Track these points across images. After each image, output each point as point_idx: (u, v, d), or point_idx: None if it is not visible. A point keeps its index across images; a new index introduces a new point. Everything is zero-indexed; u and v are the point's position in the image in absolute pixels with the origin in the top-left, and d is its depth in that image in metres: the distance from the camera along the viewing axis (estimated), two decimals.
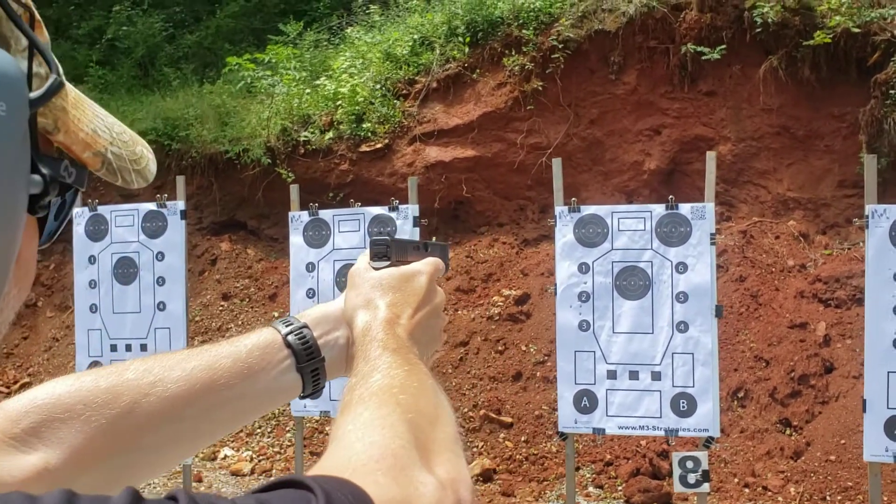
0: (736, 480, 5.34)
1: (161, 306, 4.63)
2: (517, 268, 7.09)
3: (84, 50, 10.98)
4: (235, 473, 6.17)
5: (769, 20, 6.54)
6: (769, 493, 5.19)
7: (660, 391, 3.97)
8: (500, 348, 6.54)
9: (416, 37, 7.88)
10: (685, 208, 3.99)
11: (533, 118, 7.33)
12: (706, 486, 3.82)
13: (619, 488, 5.43)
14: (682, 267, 3.97)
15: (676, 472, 3.79)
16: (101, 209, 4.78)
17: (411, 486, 0.58)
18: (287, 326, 0.94)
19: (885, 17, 6.34)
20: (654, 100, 7.20)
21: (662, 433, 4.02)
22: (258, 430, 6.57)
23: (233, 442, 6.49)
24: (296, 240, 4.59)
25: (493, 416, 6.11)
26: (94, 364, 4.62)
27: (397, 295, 0.94)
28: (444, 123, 7.54)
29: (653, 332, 4.00)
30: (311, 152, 7.73)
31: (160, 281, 4.64)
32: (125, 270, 4.68)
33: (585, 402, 4.06)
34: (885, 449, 3.57)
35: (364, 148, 7.62)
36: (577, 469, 5.53)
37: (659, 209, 4.02)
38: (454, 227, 7.62)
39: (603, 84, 7.30)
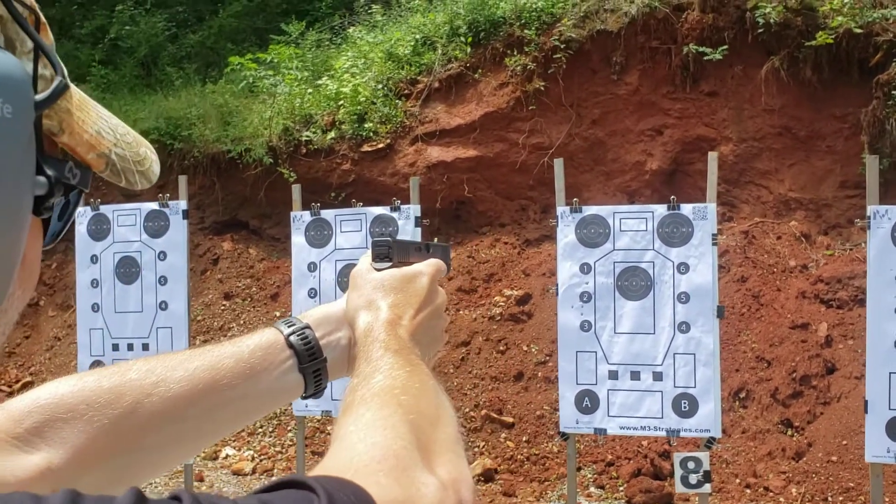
0: (737, 481, 5.34)
1: (163, 306, 4.64)
2: (519, 268, 7.09)
3: (87, 49, 10.99)
4: (237, 473, 6.17)
5: (771, 21, 6.54)
6: (770, 494, 5.19)
7: (661, 391, 3.97)
8: (501, 348, 6.54)
9: (418, 37, 7.89)
10: (687, 209, 3.99)
11: (535, 118, 7.33)
12: (707, 487, 3.82)
13: (621, 489, 5.43)
14: (683, 267, 3.97)
15: (678, 472, 3.79)
16: (104, 209, 4.79)
17: (413, 487, 0.58)
18: (289, 327, 0.94)
19: (888, 18, 6.33)
20: (656, 100, 7.20)
21: (664, 434, 4.01)
22: (260, 430, 6.57)
23: (234, 441, 6.49)
24: (297, 240, 4.59)
25: (495, 416, 6.11)
26: (96, 363, 4.62)
27: (399, 296, 0.94)
28: (446, 123, 7.54)
29: (654, 333, 3.99)
30: (313, 152, 7.73)
31: (162, 280, 4.64)
32: (127, 270, 4.69)
33: (587, 402, 4.06)
34: (887, 450, 3.57)
35: (366, 148, 7.63)
36: (579, 469, 5.53)
37: (661, 209, 4.02)
38: (456, 227, 7.62)
39: (605, 84, 7.30)
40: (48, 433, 0.81)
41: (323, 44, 9.10)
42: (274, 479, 0.53)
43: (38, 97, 0.52)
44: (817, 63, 6.58)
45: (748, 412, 5.71)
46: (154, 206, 4.72)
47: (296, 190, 4.78)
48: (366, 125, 7.61)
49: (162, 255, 4.65)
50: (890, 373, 3.58)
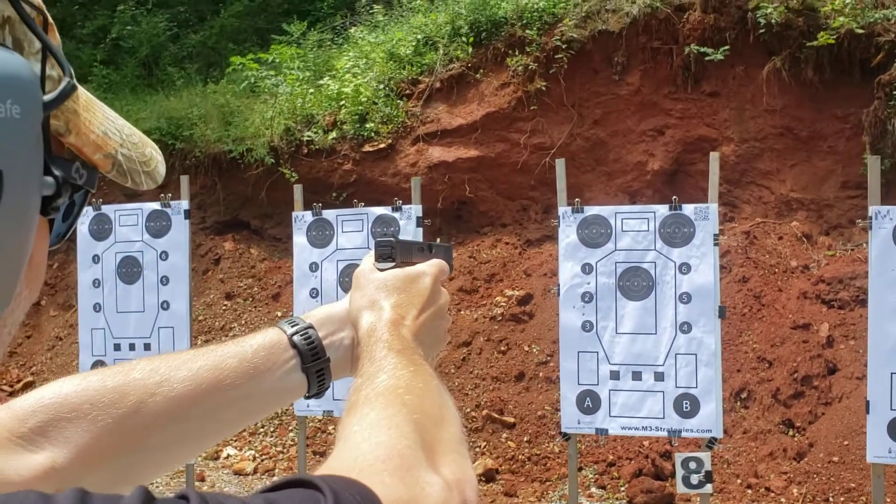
0: (739, 481, 5.34)
1: (165, 305, 4.64)
2: (520, 268, 7.09)
3: (88, 49, 11.00)
4: (238, 473, 6.18)
5: (773, 21, 6.54)
6: (772, 495, 5.19)
7: (663, 392, 3.97)
8: (502, 348, 6.54)
9: (419, 37, 7.89)
10: (688, 209, 3.99)
11: (536, 118, 7.34)
12: (709, 487, 3.82)
13: (622, 489, 5.43)
14: (685, 268, 3.97)
15: (679, 472, 3.79)
16: (105, 208, 4.79)
17: (417, 487, 0.59)
18: (292, 327, 0.94)
19: (889, 18, 6.33)
20: (658, 100, 7.20)
21: (665, 434, 4.01)
22: (261, 430, 6.58)
23: (236, 441, 6.50)
24: (299, 240, 4.60)
25: (496, 416, 6.11)
26: (98, 363, 4.62)
27: (402, 296, 0.94)
28: (448, 123, 7.55)
29: (656, 333, 3.99)
30: (315, 152, 7.74)
31: (164, 280, 4.65)
32: (129, 270, 4.69)
33: (588, 402, 4.06)
34: (889, 450, 3.57)
35: (367, 148, 7.63)
36: (580, 469, 5.53)
37: (662, 210, 4.02)
38: (457, 228, 7.62)
39: (606, 84, 7.30)
40: (52, 432, 0.82)
41: (324, 44, 9.10)
42: (280, 478, 0.54)
43: (47, 98, 0.53)
44: (819, 63, 6.58)
45: (749, 412, 5.71)
46: (156, 206, 4.72)
47: (297, 190, 4.78)
48: (367, 125, 7.61)
49: (163, 255, 4.65)
50: (892, 373, 3.58)
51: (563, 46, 7.11)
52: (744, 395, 5.78)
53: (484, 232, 7.59)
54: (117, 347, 4.66)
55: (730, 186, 6.90)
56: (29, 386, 7.07)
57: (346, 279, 4.42)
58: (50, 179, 0.53)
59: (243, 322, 7.43)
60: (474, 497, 0.63)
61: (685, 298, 3.96)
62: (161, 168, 0.71)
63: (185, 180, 4.84)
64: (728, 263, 6.36)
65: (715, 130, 7.10)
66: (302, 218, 4.60)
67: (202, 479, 5.97)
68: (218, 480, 6.06)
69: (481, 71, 7.52)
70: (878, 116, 6.30)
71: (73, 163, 0.56)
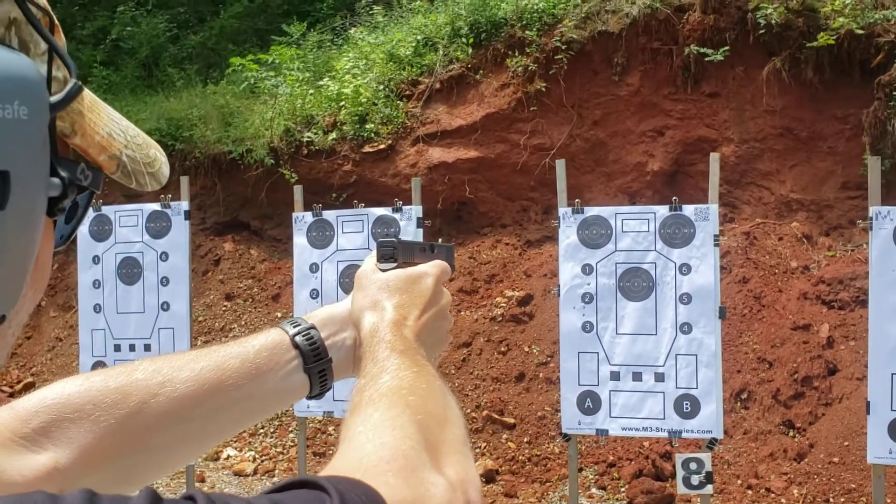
0: (739, 482, 5.34)
1: (165, 306, 4.64)
2: (520, 269, 7.09)
3: (88, 50, 11.01)
4: (238, 474, 6.18)
5: (772, 22, 6.54)
6: (772, 495, 5.19)
7: (663, 392, 3.97)
8: (502, 349, 6.54)
9: (419, 38, 7.89)
10: (689, 210, 3.99)
11: (536, 119, 7.34)
12: (709, 488, 3.82)
13: (622, 489, 5.43)
14: (685, 268, 3.97)
15: (680, 473, 3.79)
16: (106, 209, 4.79)
17: (422, 487, 0.59)
18: (295, 327, 0.94)
19: (889, 19, 6.33)
20: (658, 101, 7.20)
21: (666, 434, 4.01)
22: (261, 431, 6.57)
23: (236, 442, 6.50)
24: (299, 240, 4.60)
25: (496, 416, 6.11)
26: (98, 364, 4.62)
27: (404, 296, 0.94)
28: (448, 124, 7.55)
29: (656, 334, 4.00)
30: (315, 153, 7.74)
31: (164, 281, 4.65)
32: (129, 270, 4.69)
33: (589, 403, 4.06)
34: (889, 451, 3.57)
35: (367, 149, 7.63)
36: (580, 470, 5.53)
37: (662, 210, 4.02)
38: (457, 228, 7.62)
39: (606, 85, 7.30)
40: (55, 433, 0.82)
41: (324, 45, 9.11)
42: (285, 479, 0.54)
43: (53, 99, 0.53)
44: (819, 64, 6.58)
45: (750, 413, 5.71)
46: (156, 206, 4.72)
47: (297, 191, 4.78)
48: (367, 126, 7.61)
49: (164, 256, 4.65)
50: (892, 374, 3.58)
51: (563, 47, 7.12)
52: (744, 396, 5.78)
53: (484, 233, 7.59)
54: (117, 348, 4.66)
55: (730, 187, 6.90)
56: (29, 387, 7.06)
57: (346, 280, 4.42)
58: (56, 180, 0.53)
59: (243, 323, 7.43)
60: (478, 498, 0.63)
61: (685, 299, 3.96)
62: (165, 169, 0.71)
63: (184, 181, 4.84)
64: (728, 264, 6.36)
65: (715, 131, 7.10)
66: (302, 219, 4.61)
67: (202, 480, 5.97)
68: (218, 481, 6.06)
69: (481, 72, 7.52)
70: (878, 117, 6.30)
71: (79, 164, 0.56)
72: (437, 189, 7.31)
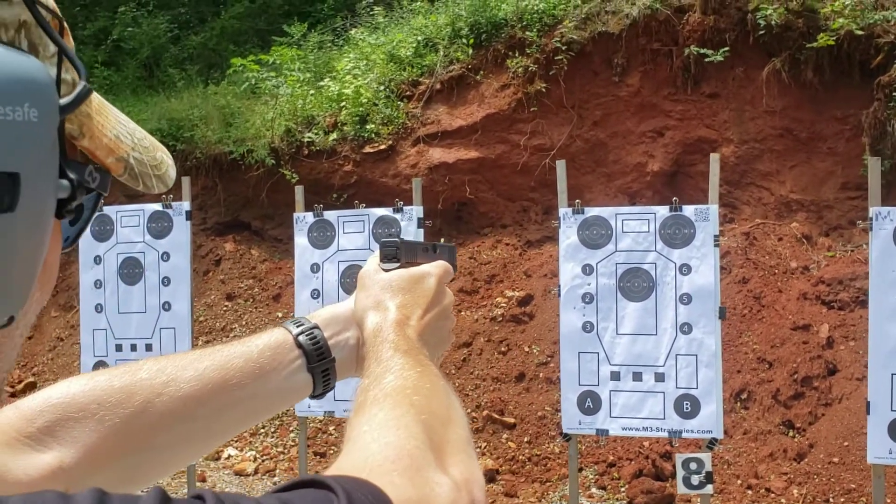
0: (739, 482, 5.34)
1: (166, 306, 4.65)
2: (520, 269, 7.10)
3: (89, 51, 11.01)
4: (239, 473, 6.18)
5: (772, 22, 6.54)
6: (772, 495, 5.19)
7: (663, 392, 3.97)
8: (503, 349, 6.55)
9: (419, 38, 7.90)
10: (689, 210, 4.00)
11: (536, 120, 7.34)
12: (710, 488, 3.83)
13: (622, 489, 5.44)
14: (685, 269, 3.98)
15: (680, 473, 3.80)
16: (107, 209, 4.80)
17: (427, 487, 0.59)
18: (298, 327, 0.95)
19: (889, 20, 6.34)
20: (658, 102, 7.21)
21: (666, 434, 4.02)
22: (262, 430, 6.58)
23: (236, 442, 6.50)
24: (300, 241, 4.60)
25: (497, 416, 6.11)
26: (100, 364, 4.63)
27: (407, 296, 0.94)
28: (448, 125, 7.55)
29: (656, 334, 4.00)
30: (315, 153, 7.74)
31: (165, 281, 4.65)
32: (130, 270, 4.70)
33: (589, 403, 4.06)
34: (889, 451, 3.57)
35: (368, 149, 7.64)
36: (580, 470, 5.53)
37: (663, 211, 4.03)
38: (457, 229, 7.63)
39: (606, 86, 7.30)
40: (60, 432, 0.82)
41: (325, 45, 9.11)
42: (293, 478, 0.54)
43: (63, 101, 0.53)
44: (818, 65, 6.59)
45: (749, 413, 5.71)
46: (157, 207, 4.73)
47: (299, 191, 4.79)
48: (368, 126, 7.62)
49: (165, 256, 4.66)
50: (892, 374, 3.59)
51: (563, 48, 7.12)
52: (744, 396, 5.79)
53: (484, 233, 7.59)
54: (119, 348, 4.67)
55: (729, 188, 6.90)
56: (30, 387, 7.07)
57: (347, 280, 4.42)
58: (65, 182, 0.53)
59: (244, 323, 7.43)
60: (483, 497, 0.64)
61: (685, 299, 3.97)
62: (171, 172, 0.71)
63: (186, 181, 4.85)
64: (728, 264, 6.36)
65: (715, 132, 7.10)
66: (303, 219, 4.61)
67: (203, 480, 5.97)
68: (219, 481, 6.07)
69: (481, 72, 7.52)
70: (878, 118, 6.31)
71: (87, 166, 0.56)
72: (437, 189, 7.32)
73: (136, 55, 10.90)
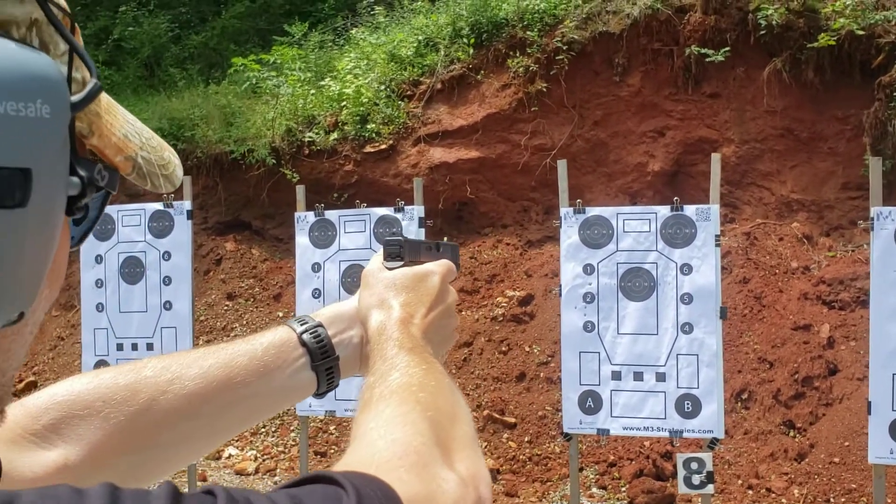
0: (739, 482, 5.35)
1: (167, 305, 4.65)
2: (521, 269, 7.10)
3: (90, 50, 10.90)
4: (240, 473, 6.18)
5: (773, 22, 6.54)
6: (773, 495, 5.20)
7: (664, 392, 3.97)
8: (503, 349, 6.55)
9: (420, 38, 7.90)
10: (690, 210, 4.00)
11: (537, 119, 7.34)
12: (710, 488, 3.83)
13: (623, 489, 5.44)
14: (686, 268, 3.98)
15: (681, 473, 3.80)
16: (108, 209, 4.77)
17: (434, 483, 0.59)
18: (302, 325, 0.95)
19: (890, 20, 6.34)
20: (658, 101, 7.21)
21: (667, 434, 4.02)
22: (262, 430, 6.58)
23: (237, 441, 6.50)
24: (301, 240, 4.60)
25: (497, 416, 6.12)
26: (101, 363, 4.63)
27: (411, 295, 0.95)
28: (449, 125, 7.55)
29: (657, 334, 4.00)
30: (316, 153, 7.75)
31: (166, 280, 4.66)
32: (132, 270, 4.70)
33: (590, 402, 4.06)
34: (890, 451, 3.58)
35: (368, 149, 7.64)
36: (581, 470, 5.53)
37: (664, 211, 4.03)
38: (458, 228, 7.63)
39: (607, 86, 7.30)
40: (65, 430, 0.82)
41: (326, 45, 9.11)
42: (302, 475, 0.54)
43: (74, 98, 0.53)
44: (819, 65, 6.58)
45: (750, 413, 5.72)
46: (158, 206, 4.73)
47: (300, 191, 4.79)
48: (368, 126, 7.62)
49: (166, 256, 4.66)
50: (893, 374, 3.59)
51: (564, 48, 7.12)
52: (744, 396, 5.79)
53: (485, 233, 7.60)
54: (120, 347, 4.67)
55: (730, 187, 6.90)
56: (31, 386, 7.07)
57: (348, 280, 4.43)
58: (75, 179, 0.54)
59: (245, 322, 7.43)
60: (488, 493, 0.64)
61: (686, 299, 3.97)
62: (179, 171, 0.72)
63: (186, 181, 4.84)
64: (728, 265, 6.36)
65: (715, 132, 7.10)
66: (304, 218, 4.61)
67: (204, 479, 5.97)
68: (220, 480, 6.07)
69: (482, 72, 7.52)
70: (879, 118, 6.31)
71: (96, 164, 0.57)
72: (438, 189, 7.32)
73: (136, 55, 10.90)
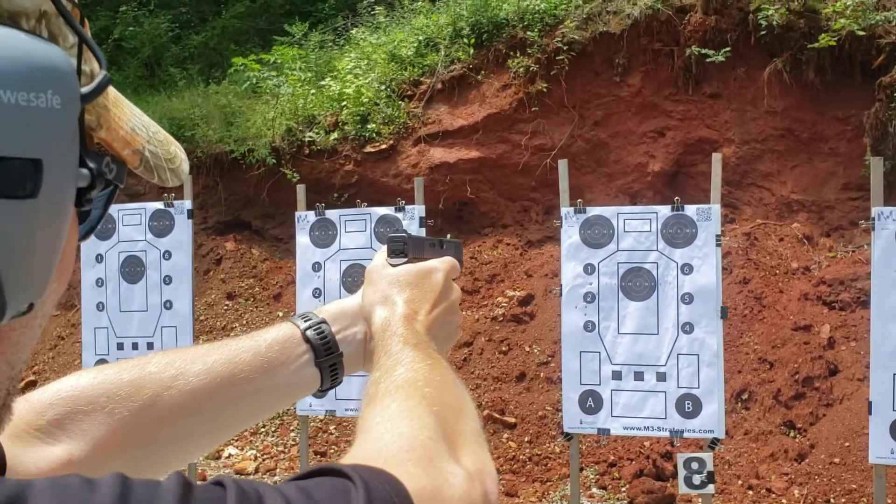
0: (740, 482, 5.35)
1: (168, 305, 4.65)
2: (521, 269, 7.10)
3: None
4: (239, 472, 6.18)
5: (774, 23, 6.55)
6: (773, 496, 5.20)
7: (665, 392, 3.97)
8: (503, 349, 6.55)
9: (420, 38, 7.90)
10: (691, 210, 4.00)
11: (537, 120, 7.34)
12: (711, 488, 3.83)
13: (623, 489, 5.44)
14: (687, 268, 3.98)
15: (681, 473, 3.80)
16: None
17: (441, 477, 0.59)
18: (306, 322, 0.95)
19: (890, 20, 6.34)
20: (659, 102, 7.21)
21: (667, 434, 4.02)
22: (262, 429, 6.58)
23: (237, 441, 6.50)
24: (302, 239, 4.60)
25: (497, 416, 6.12)
26: (101, 362, 4.63)
27: (415, 291, 0.95)
28: (449, 125, 7.55)
29: (658, 333, 4.00)
30: (316, 153, 7.75)
31: (167, 280, 4.66)
32: (132, 269, 4.70)
33: (590, 402, 4.06)
34: (891, 451, 3.58)
35: (369, 149, 7.64)
36: (581, 470, 5.53)
37: (664, 210, 4.03)
38: (458, 228, 7.63)
39: (607, 86, 7.31)
40: (69, 425, 0.82)
41: (326, 45, 9.11)
42: (310, 467, 0.54)
43: (84, 90, 0.53)
44: (820, 65, 6.59)
45: (750, 413, 5.72)
46: (159, 205, 4.73)
47: (300, 190, 4.79)
48: (369, 126, 7.62)
49: (167, 255, 4.66)
50: (894, 374, 3.59)
51: (564, 48, 7.12)
52: (745, 397, 5.79)
53: (485, 233, 7.60)
54: (120, 346, 4.67)
55: (730, 188, 6.90)
56: (31, 385, 7.07)
57: (349, 279, 4.43)
58: (85, 171, 0.54)
59: (244, 322, 7.43)
60: (495, 488, 0.64)
61: (687, 299, 3.97)
62: (185, 166, 0.72)
63: (187, 180, 4.84)
64: (729, 265, 6.36)
65: (716, 132, 7.11)
66: (305, 218, 4.61)
67: (203, 479, 5.96)
68: None
69: (482, 72, 7.52)
70: (879, 118, 6.31)
71: (104, 157, 0.57)
72: (438, 189, 7.32)
73: (137, 54, 10.90)
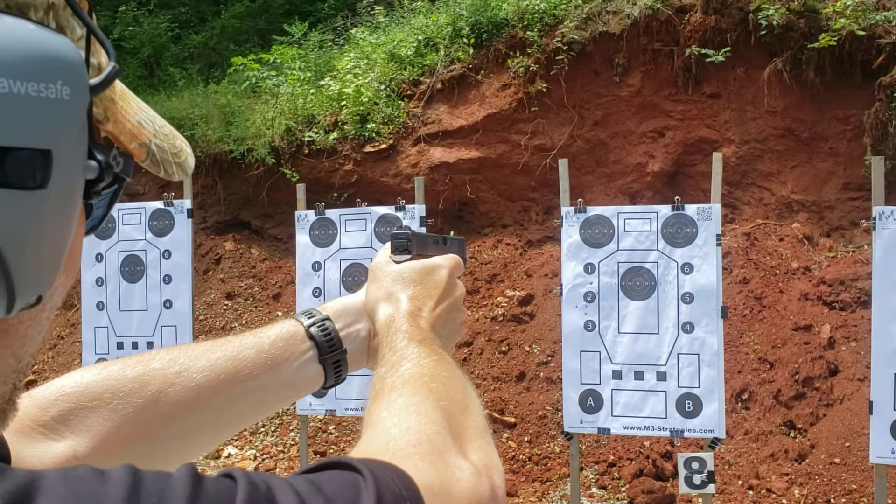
0: (740, 482, 5.35)
1: (167, 304, 4.65)
2: (521, 269, 7.10)
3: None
4: None
5: (774, 23, 6.55)
6: (773, 496, 5.20)
7: (665, 392, 3.97)
8: (503, 349, 6.55)
9: (420, 38, 7.90)
10: (691, 209, 4.00)
11: (537, 120, 7.34)
12: (711, 488, 3.83)
13: (623, 489, 5.44)
14: (687, 268, 3.98)
15: (682, 472, 3.80)
16: None
17: (448, 471, 0.59)
18: (309, 318, 0.95)
19: (891, 20, 6.34)
20: (658, 102, 7.21)
21: (668, 434, 4.02)
22: (262, 429, 6.57)
23: (237, 440, 6.50)
24: (302, 239, 4.60)
25: (497, 416, 6.11)
26: (101, 361, 4.62)
27: (419, 288, 0.94)
28: (449, 124, 7.55)
29: (658, 333, 4.00)
30: (316, 152, 7.74)
31: (167, 279, 4.66)
32: (132, 268, 4.70)
33: (591, 402, 4.06)
34: (892, 451, 3.58)
35: (368, 148, 7.64)
36: (581, 470, 5.53)
37: (665, 210, 4.03)
38: (458, 228, 7.63)
39: (607, 86, 7.31)
40: (73, 421, 0.82)
41: (325, 44, 9.11)
42: (319, 461, 0.54)
43: (93, 81, 0.53)
44: (820, 65, 6.59)
45: (751, 413, 5.72)
46: (159, 205, 4.73)
47: (300, 189, 4.79)
48: (368, 126, 7.62)
49: (166, 254, 4.66)
50: (894, 374, 3.59)
51: (564, 48, 7.12)
52: (745, 397, 5.79)
53: (485, 233, 7.60)
54: (120, 346, 4.67)
55: (730, 188, 6.91)
56: (31, 384, 7.04)
57: (349, 278, 4.42)
58: (93, 163, 0.53)
59: (244, 322, 7.43)
60: (502, 483, 0.64)
61: (687, 298, 3.97)
62: (191, 160, 0.72)
63: (187, 180, 4.85)
64: (729, 265, 6.36)
65: (716, 132, 7.11)
66: (305, 217, 4.61)
67: None
68: None
69: (482, 72, 7.52)
70: (879, 118, 6.31)
71: (112, 150, 0.57)
72: (438, 189, 7.32)
73: (136, 54, 10.89)
